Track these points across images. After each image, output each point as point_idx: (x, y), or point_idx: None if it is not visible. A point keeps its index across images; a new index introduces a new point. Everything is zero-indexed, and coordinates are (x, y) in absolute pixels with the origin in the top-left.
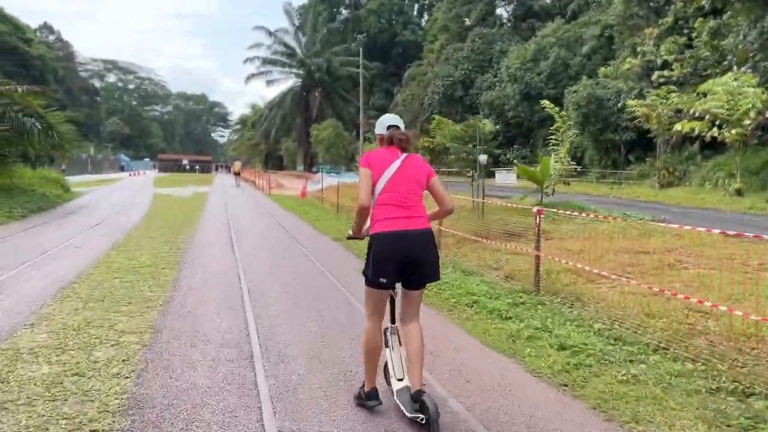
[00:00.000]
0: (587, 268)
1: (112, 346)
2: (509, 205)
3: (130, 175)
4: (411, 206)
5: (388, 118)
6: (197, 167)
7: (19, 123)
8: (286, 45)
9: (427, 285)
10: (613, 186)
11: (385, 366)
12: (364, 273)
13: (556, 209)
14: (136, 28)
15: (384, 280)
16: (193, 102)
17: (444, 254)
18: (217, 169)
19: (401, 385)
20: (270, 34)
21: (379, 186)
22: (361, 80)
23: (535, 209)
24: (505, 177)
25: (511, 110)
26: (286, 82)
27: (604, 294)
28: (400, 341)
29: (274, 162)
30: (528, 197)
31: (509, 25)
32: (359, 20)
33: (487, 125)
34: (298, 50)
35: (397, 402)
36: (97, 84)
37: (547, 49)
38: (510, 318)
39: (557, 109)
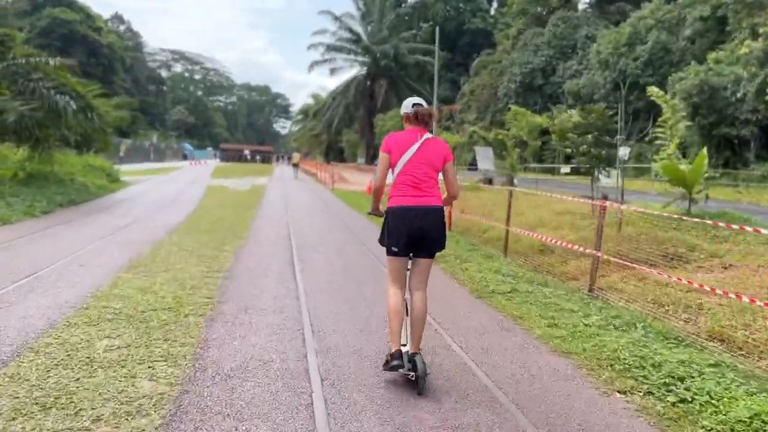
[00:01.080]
0: None
1: None
2: (653, 214)
3: (190, 164)
4: (424, 187)
5: (412, 99)
6: (258, 157)
7: (51, 101)
8: (351, 30)
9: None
10: (742, 190)
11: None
12: (381, 242)
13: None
14: (207, 22)
15: (396, 249)
16: (256, 93)
17: (604, 290)
18: (277, 160)
19: (403, 349)
20: (335, 18)
21: (397, 168)
22: (436, 62)
23: None
24: (605, 177)
25: (600, 100)
26: (350, 70)
27: None
28: (407, 312)
29: (335, 154)
30: (673, 204)
31: (590, 9)
32: (426, 7)
33: (573, 117)
34: (364, 36)
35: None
36: (164, 74)
37: (644, 32)
38: None
39: (667, 97)
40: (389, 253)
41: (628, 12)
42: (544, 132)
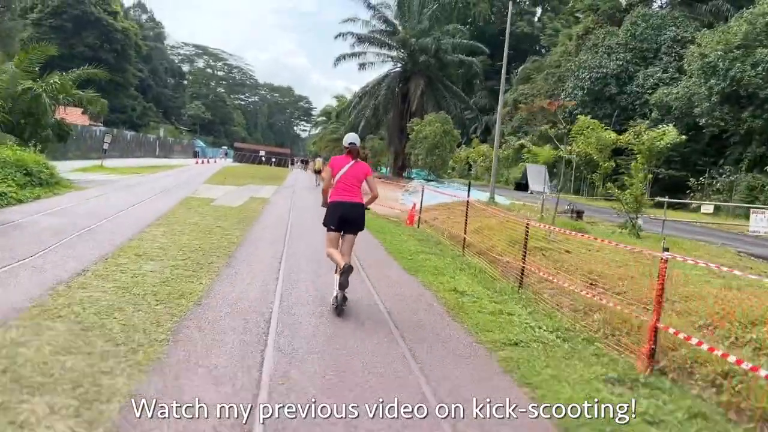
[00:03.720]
0: None
1: None
2: None
3: (196, 162)
4: (352, 190)
5: (350, 137)
6: (273, 160)
7: None
8: (386, 20)
9: None
10: None
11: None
12: (324, 223)
13: None
14: (237, 21)
15: (333, 227)
16: (279, 94)
17: None
18: (292, 163)
19: (335, 293)
20: (369, 6)
21: (336, 178)
22: (507, 41)
23: None
24: (764, 222)
25: (704, 115)
26: (382, 67)
27: None
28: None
29: None
30: None
31: (672, 7)
32: (467, 7)
33: (670, 133)
34: (401, 28)
35: (331, 301)
36: (186, 68)
37: (764, 31)
38: None
39: None
40: (329, 229)
41: (725, 12)
42: (617, 151)
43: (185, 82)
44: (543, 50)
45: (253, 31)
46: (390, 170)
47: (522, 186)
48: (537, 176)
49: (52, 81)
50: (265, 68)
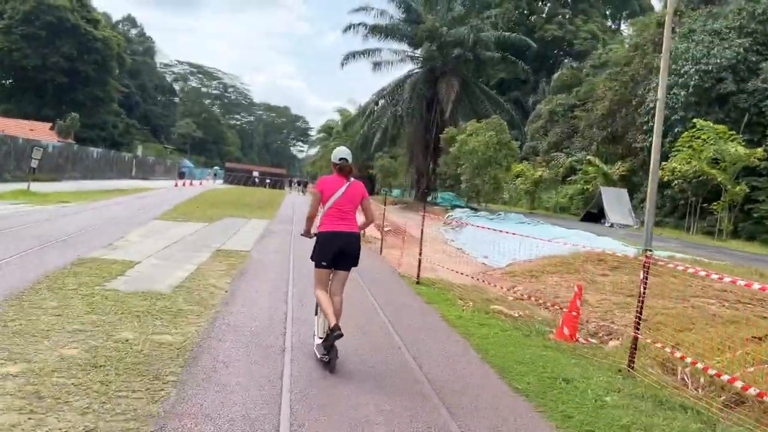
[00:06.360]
0: None
1: None
2: None
3: (175, 184)
4: (347, 217)
5: (341, 151)
6: (268, 181)
7: None
8: (408, 7)
9: None
10: None
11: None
12: (312, 258)
13: None
14: (232, 44)
15: (324, 263)
16: (275, 114)
17: None
18: (290, 185)
19: (319, 341)
20: None
21: (328, 204)
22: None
23: None
24: None
25: None
26: (401, 68)
27: None
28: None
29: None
30: None
31: None
32: (489, 6)
33: None
34: (426, 16)
35: (315, 351)
36: (178, 87)
37: None
38: None
39: None
40: (318, 266)
41: None
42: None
43: (176, 99)
44: (568, 58)
45: (248, 54)
46: (410, 194)
47: (592, 216)
48: (615, 203)
49: None
50: (261, 91)
